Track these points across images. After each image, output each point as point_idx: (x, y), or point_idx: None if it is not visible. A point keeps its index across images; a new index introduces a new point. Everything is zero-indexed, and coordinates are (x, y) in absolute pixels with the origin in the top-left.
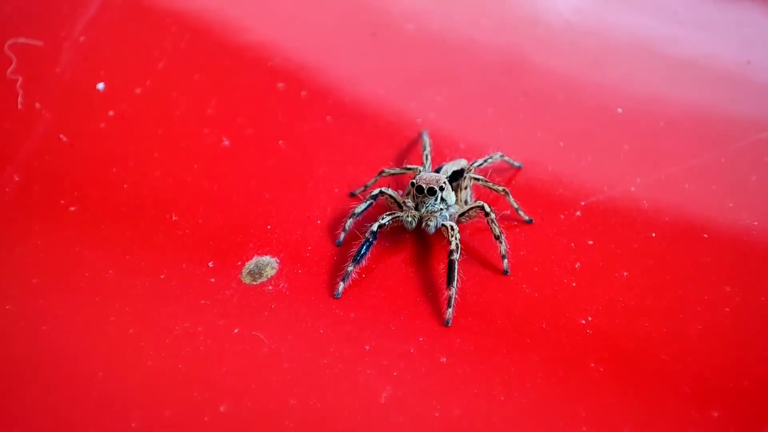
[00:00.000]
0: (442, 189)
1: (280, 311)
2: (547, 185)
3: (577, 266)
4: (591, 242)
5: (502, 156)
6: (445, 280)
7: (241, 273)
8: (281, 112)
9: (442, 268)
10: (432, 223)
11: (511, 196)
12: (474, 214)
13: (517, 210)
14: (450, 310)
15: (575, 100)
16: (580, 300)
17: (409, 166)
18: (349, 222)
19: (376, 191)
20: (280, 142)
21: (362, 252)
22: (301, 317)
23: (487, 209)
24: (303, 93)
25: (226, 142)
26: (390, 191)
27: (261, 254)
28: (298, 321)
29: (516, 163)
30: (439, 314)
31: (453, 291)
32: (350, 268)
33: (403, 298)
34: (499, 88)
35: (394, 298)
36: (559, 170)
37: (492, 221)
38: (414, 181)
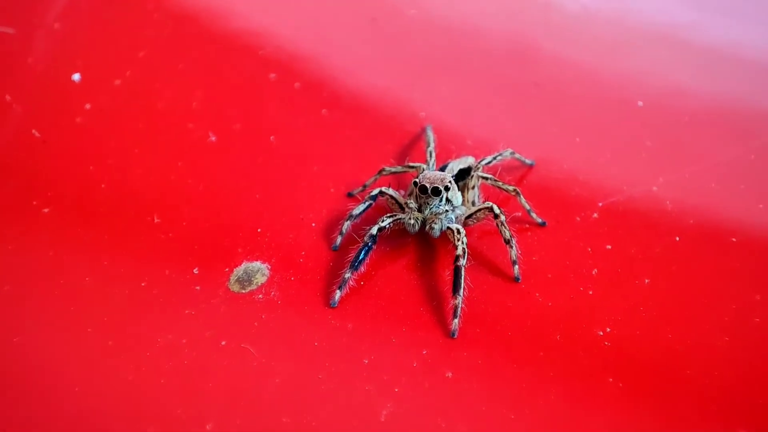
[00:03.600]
0: (447, 188)
1: (271, 322)
2: (562, 185)
3: (594, 273)
4: (609, 247)
5: (512, 153)
6: (451, 288)
7: (228, 280)
8: (273, 105)
9: (447, 275)
10: (436, 226)
11: (522, 196)
12: (482, 216)
13: (528, 212)
14: (456, 320)
15: (592, 92)
16: (598, 309)
17: (411, 164)
18: (347, 225)
19: (375, 191)
20: (271, 137)
21: (360, 257)
22: (293, 328)
23: (497, 211)
24: (296, 84)
25: (213, 138)
26: (391, 191)
27: (250, 260)
28: (290, 332)
29: (528, 161)
30: (444, 325)
31: (459, 300)
32: (347, 275)
33: (404, 307)
34: (509, 78)
35: (395, 308)
36: (574, 168)
37: (502, 224)
38: (417, 180)
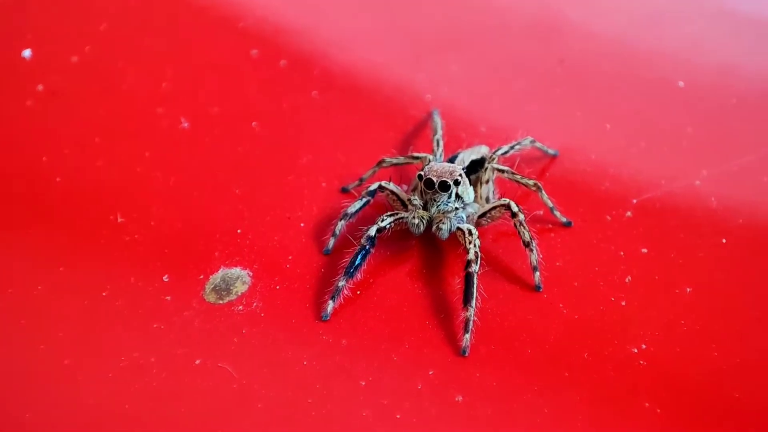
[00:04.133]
0: (457, 183)
1: (253, 337)
2: (590, 178)
3: (627, 280)
4: (645, 250)
5: (533, 141)
6: (461, 299)
7: (204, 289)
8: (255, 86)
9: (457, 283)
10: (445, 227)
11: (544, 191)
12: (497, 214)
13: (551, 209)
14: (467, 336)
15: (625, 71)
16: (632, 323)
17: (415, 155)
18: (341, 225)
19: (374, 186)
20: (253, 123)
21: (356, 263)
22: (279, 345)
23: (515, 209)
24: (282, 62)
25: (186, 124)
26: (392, 186)
27: (229, 266)
28: (275, 350)
29: (550, 151)
30: (453, 341)
31: (471, 312)
32: (341, 283)
33: (407, 321)
34: (529, 55)
35: (396, 322)
36: (604, 159)
37: (520, 224)
38: (422, 173)
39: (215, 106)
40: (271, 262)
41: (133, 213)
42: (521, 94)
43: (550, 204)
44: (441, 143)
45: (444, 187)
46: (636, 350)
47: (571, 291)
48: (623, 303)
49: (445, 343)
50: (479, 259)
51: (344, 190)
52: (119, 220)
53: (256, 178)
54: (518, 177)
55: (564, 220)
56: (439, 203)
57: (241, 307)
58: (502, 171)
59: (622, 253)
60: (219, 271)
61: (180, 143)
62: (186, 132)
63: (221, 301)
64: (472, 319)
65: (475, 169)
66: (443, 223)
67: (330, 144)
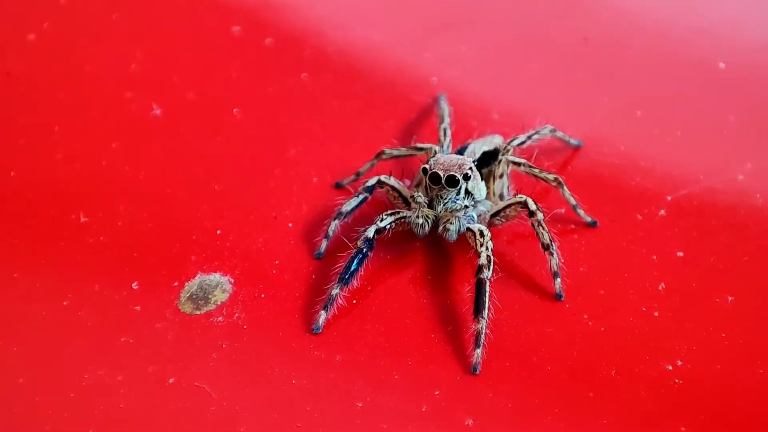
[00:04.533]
0: (467, 177)
1: (234, 353)
2: (619, 172)
3: (661, 288)
4: (681, 254)
5: (553, 131)
6: (472, 309)
7: (178, 298)
8: (236, 68)
9: (467, 291)
10: (453, 227)
11: (566, 187)
12: (513, 213)
13: (574, 207)
14: (479, 350)
15: (658, 51)
16: (666, 336)
17: (419, 146)
18: (334, 225)
19: (372, 181)
20: (234, 110)
21: (352, 268)
22: (264, 361)
23: (532, 206)
24: (268, 40)
25: (158, 111)
26: (392, 181)
27: (207, 271)
28: (260, 367)
29: (573, 141)
30: (462, 357)
31: (483, 324)
32: (335, 292)
33: (410, 334)
34: (549, 33)
35: (397, 335)
36: (634, 150)
37: (539, 224)
38: (427, 166)
39: (191, 91)
40: (255, 267)
41: (97, 212)
42: (540, 76)
43: (573, 201)
44: (448, 132)
45: (452, 182)
46: (671, 367)
47: (597, 300)
48: (656, 314)
49: (453, 359)
50: (492, 263)
51: (338, 186)
52: (82, 219)
53: (238, 172)
54: (536, 171)
55: (588, 219)
56: (446, 200)
57: (220, 318)
58: (518, 164)
59: (654, 257)
60: (196, 278)
61: (151, 132)
62: (158, 120)
63: (198, 312)
64: (484, 331)
65: (487, 161)
66: (451, 223)
67: (322, 133)
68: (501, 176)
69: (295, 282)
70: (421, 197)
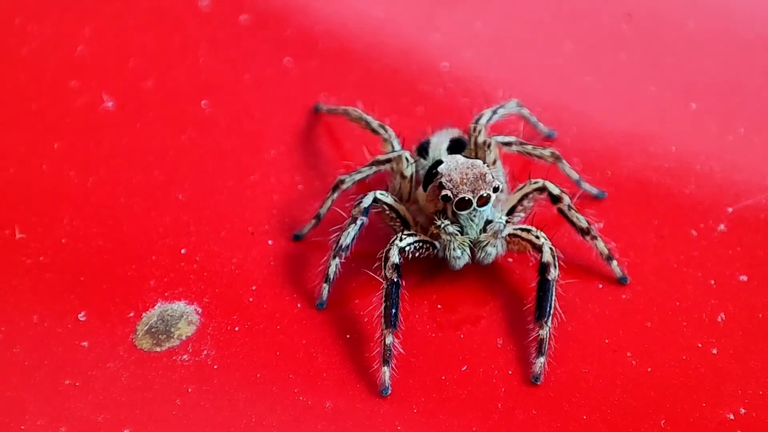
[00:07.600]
0: (497, 189)
1: (202, 398)
2: (669, 178)
3: (720, 319)
4: (744, 278)
5: (519, 105)
6: (533, 312)
7: (135, 331)
8: (205, 51)
9: (483, 315)
10: (493, 250)
11: (564, 161)
12: (530, 204)
13: (578, 182)
14: (542, 359)
15: (716, 30)
16: (726, 379)
17: (381, 158)
18: (335, 265)
19: (368, 200)
20: (202, 102)
21: (394, 308)
22: (238, 409)
23: (555, 190)
24: (243, 17)
25: (109, 104)
26: (389, 198)
27: (169, 299)
28: (233, 414)
29: (544, 128)
30: (491, 399)
31: (547, 330)
32: (389, 340)
33: (416, 374)
34: (584, 7)
35: (400, 375)
36: (689, 152)
37: (569, 208)
38: (448, 193)
39: (150, 79)
40: (227, 293)
41: (37, 226)
42: (573, 61)
43: (575, 175)
44: (389, 129)
45: (485, 202)
46: (732, 416)
47: (643, 334)
48: (714, 351)
49: (479, 405)
50: (557, 259)
51: (297, 238)
52: (18, 236)
53: (207, 179)
54: (530, 147)
55: (594, 191)
56: (476, 221)
57: (186, 357)
58: (509, 144)
59: (712, 282)
60: (156, 307)
61: (101, 130)
62: (110, 114)
63: (159, 348)
64: (548, 338)
65: (458, 150)
66: (492, 246)
67: (308, 131)
68: (494, 162)
69: (275, 312)
70: (450, 226)
